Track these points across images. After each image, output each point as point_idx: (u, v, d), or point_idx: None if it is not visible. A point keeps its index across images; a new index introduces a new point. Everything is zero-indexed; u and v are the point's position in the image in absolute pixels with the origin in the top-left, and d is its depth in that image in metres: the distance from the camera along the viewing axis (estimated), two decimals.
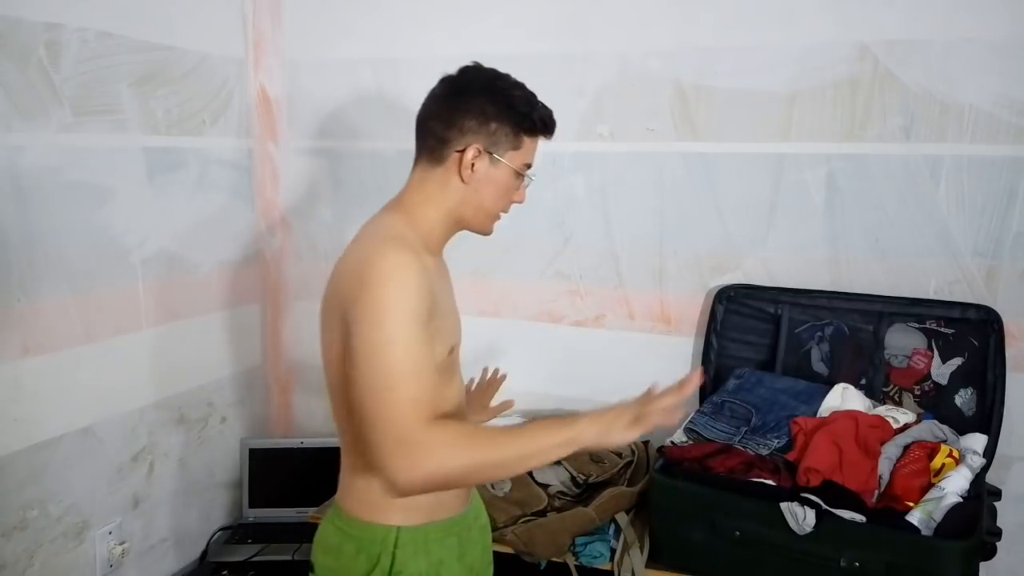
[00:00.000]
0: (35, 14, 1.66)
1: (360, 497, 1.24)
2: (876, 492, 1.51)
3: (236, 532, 2.23)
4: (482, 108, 1.22)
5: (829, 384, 1.77)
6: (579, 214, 2.07)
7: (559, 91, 2.02)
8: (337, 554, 1.24)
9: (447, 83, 1.27)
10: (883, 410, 1.69)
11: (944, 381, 1.74)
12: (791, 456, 1.59)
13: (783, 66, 1.83)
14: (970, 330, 1.71)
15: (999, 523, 1.53)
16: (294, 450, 2.33)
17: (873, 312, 1.78)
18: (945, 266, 1.78)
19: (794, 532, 1.45)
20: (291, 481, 2.31)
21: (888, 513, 1.46)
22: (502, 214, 1.31)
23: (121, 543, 1.95)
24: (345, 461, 1.28)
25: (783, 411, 1.71)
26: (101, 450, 1.89)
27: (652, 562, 1.63)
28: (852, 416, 1.61)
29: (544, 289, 2.14)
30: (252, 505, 2.30)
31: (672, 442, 1.71)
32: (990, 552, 1.47)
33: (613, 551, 1.65)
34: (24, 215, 1.67)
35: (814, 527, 1.43)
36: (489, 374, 1.66)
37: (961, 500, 1.45)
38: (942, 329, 1.74)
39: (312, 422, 2.49)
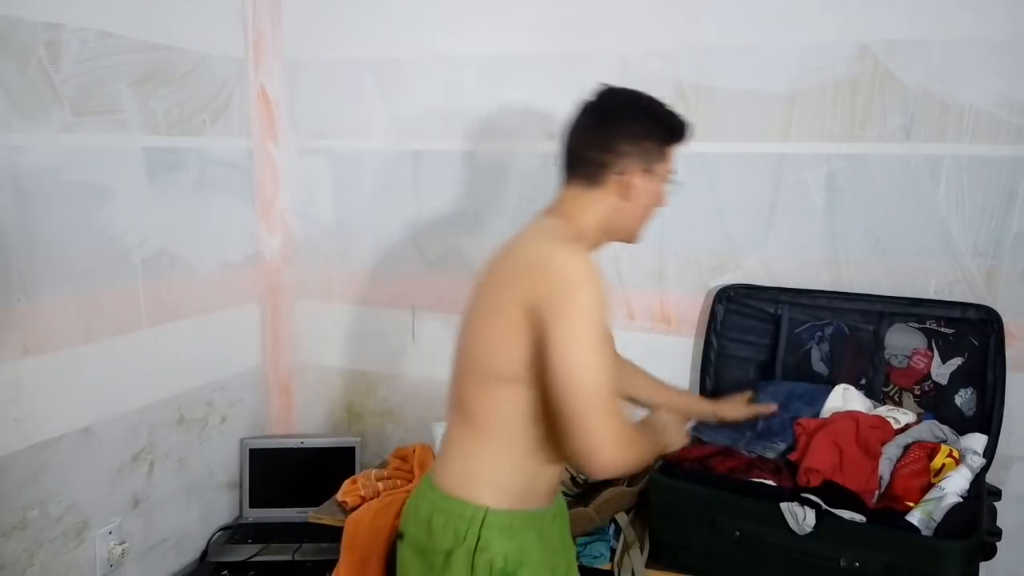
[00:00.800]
0: (35, 14, 1.66)
1: (456, 473, 1.30)
2: (876, 493, 1.51)
3: (236, 532, 2.23)
4: (634, 130, 1.31)
5: (830, 384, 1.77)
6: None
7: (559, 91, 2.02)
8: (427, 525, 1.29)
9: (593, 111, 1.35)
10: (884, 410, 1.69)
11: (944, 381, 1.73)
12: (793, 456, 1.59)
13: (783, 66, 1.83)
14: (970, 330, 1.71)
15: (999, 523, 1.53)
16: (294, 450, 2.33)
17: (873, 312, 1.78)
18: (945, 266, 1.78)
19: (794, 532, 1.45)
20: (291, 481, 2.32)
21: (888, 513, 1.46)
22: (651, 218, 1.40)
23: (121, 543, 1.95)
24: (455, 433, 1.33)
25: (787, 413, 1.71)
26: (101, 450, 1.89)
27: (652, 562, 1.63)
28: (853, 416, 1.61)
29: None
30: (252, 505, 2.30)
31: None
32: (990, 552, 1.47)
33: (613, 551, 1.65)
34: (24, 215, 1.67)
35: (814, 527, 1.43)
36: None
37: (961, 500, 1.45)
38: (942, 329, 1.74)
39: (312, 422, 2.50)
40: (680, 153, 1.38)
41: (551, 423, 1.23)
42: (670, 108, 1.35)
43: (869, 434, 1.56)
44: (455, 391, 1.33)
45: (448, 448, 1.34)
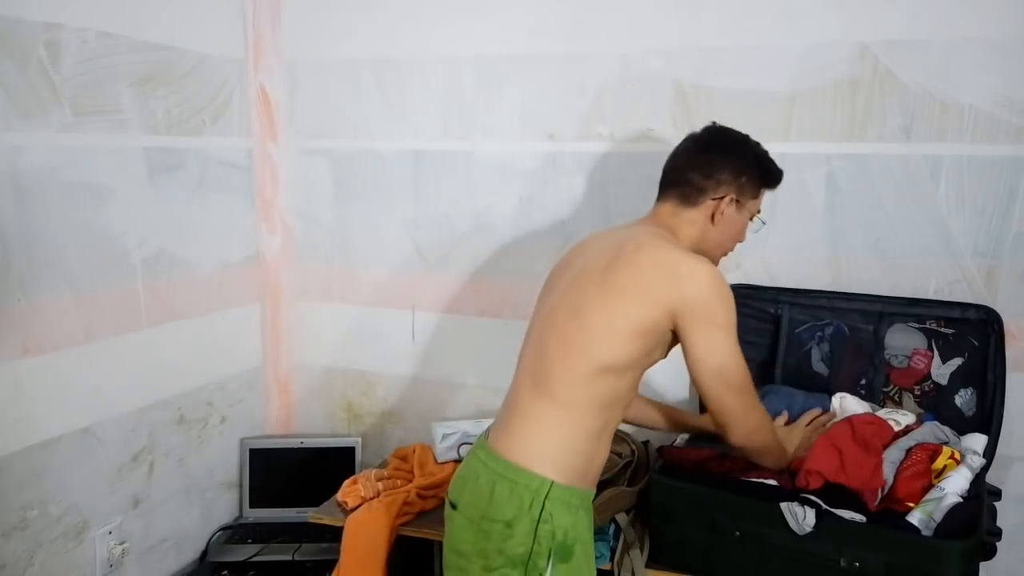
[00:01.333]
0: (35, 14, 1.66)
1: (527, 444, 1.36)
2: (880, 493, 1.50)
3: (236, 532, 2.23)
4: (736, 164, 1.47)
5: (829, 385, 1.76)
6: (579, 214, 2.07)
7: (559, 91, 2.04)
8: (489, 494, 1.35)
9: (699, 141, 1.52)
10: (884, 412, 1.69)
11: (944, 381, 1.73)
12: (793, 464, 1.58)
13: (783, 66, 1.83)
14: (970, 330, 1.71)
15: (999, 523, 1.53)
16: (294, 450, 2.33)
17: (873, 312, 1.78)
18: (945, 266, 1.78)
19: (794, 532, 1.44)
20: (291, 481, 2.32)
21: (888, 513, 1.46)
22: (731, 250, 1.56)
23: (121, 543, 1.95)
24: (528, 408, 1.39)
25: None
26: (101, 450, 1.89)
27: (652, 562, 1.63)
28: (847, 420, 1.60)
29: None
30: (252, 505, 2.30)
31: (670, 445, 1.71)
32: (990, 552, 1.46)
33: (613, 551, 1.65)
34: (24, 215, 1.67)
35: (814, 527, 1.43)
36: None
37: (961, 500, 1.45)
38: (942, 329, 1.74)
39: (312, 422, 2.50)
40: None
41: (618, 412, 1.41)
42: (769, 155, 1.51)
43: (865, 430, 1.55)
44: (537, 367, 1.40)
45: (517, 420, 1.40)
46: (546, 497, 1.32)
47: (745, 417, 1.39)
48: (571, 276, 1.44)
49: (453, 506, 1.42)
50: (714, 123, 1.54)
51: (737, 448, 1.44)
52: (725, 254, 1.54)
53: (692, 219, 1.47)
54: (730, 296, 1.34)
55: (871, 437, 1.54)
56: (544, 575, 1.32)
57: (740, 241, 1.54)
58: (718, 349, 1.33)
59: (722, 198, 1.46)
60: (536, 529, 1.32)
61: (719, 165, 1.46)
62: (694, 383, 1.38)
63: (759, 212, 1.54)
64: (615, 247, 1.39)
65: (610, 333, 1.33)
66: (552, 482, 1.33)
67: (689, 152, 1.51)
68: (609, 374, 1.34)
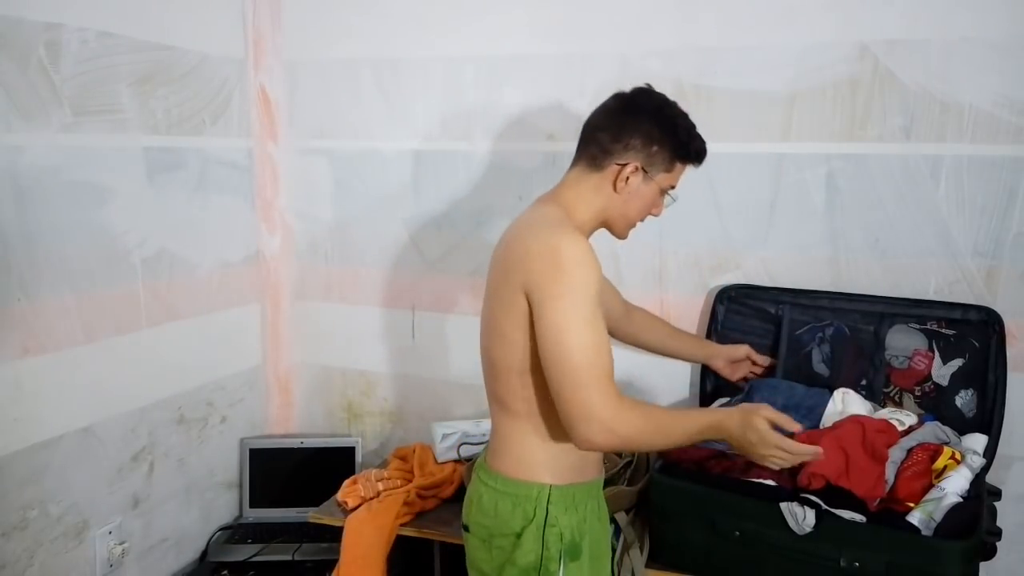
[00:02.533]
0: (35, 14, 1.66)
1: (517, 458, 1.36)
2: (879, 499, 1.50)
3: (236, 532, 2.23)
4: (648, 131, 1.34)
5: (830, 386, 1.76)
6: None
7: (559, 91, 2.04)
8: (494, 512, 1.36)
9: (619, 99, 1.40)
10: (885, 412, 1.69)
11: (945, 382, 1.73)
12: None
13: (783, 66, 1.83)
14: (971, 331, 1.70)
15: (999, 523, 1.53)
16: (294, 450, 2.33)
17: (874, 313, 1.78)
18: (945, 266, 1.78)
19: (794, 532, 1.45)
20: (291, 481, 2.32)
21: (888, 513, 1.46)
22: (639, 223, 1.44)
23: (121, 543, 1.95)
24: (501, 424, 1.39)
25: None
26: (101, 450, 1.89)
27: (652, 562, 1.63)
28: (858, 421, 1.59)
29: None
30: (252, 505, 2.30)
31: None
32: (990, 552, 1.46)
33: (613, 551, 1.65)
34: (24, 215, 1.67)
35: (814, 527, 1.43)
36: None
37: (961, 500, 1.45)
38: (943, 330, 1.74)
39: (312, 422, 2.50)
40: (689, 173, 1.43)
41: None
42: (693, 128, 1.40)
43: (876, 439, 1.54)
44: (490, 386, 1.40)
45: (499, 438, 1.40)
46: (548, 502, 1.33)
47: (588, 411, 1.18)
48: (486, 287, 1.39)
49: (466, 529, 1.44)
50: (646, 85, 1.41)
51: (591, 449, 1.25)
52: (631, 226, 1.43)
53: (596, 184, 1.37)
54: (582, 263, 1.21)
55: (881, 447, 1.54)
56: None
57: (652, 215, 1.44)
58: (553, 324, 1.19)
59: (625, 165, 1.34)
60: (543, 535, 1.32)
61: (630, 129, 1.34)
62: (547, 377, 1.23)
63: (673, 187, 1.42)
64: (505, 242, 1.34)
65: (504, 338, 1.30)
66: (551, 486, 1.34)
67: (605, 111, 1.40)
68: (529, 375, 1.30)
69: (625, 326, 1.80)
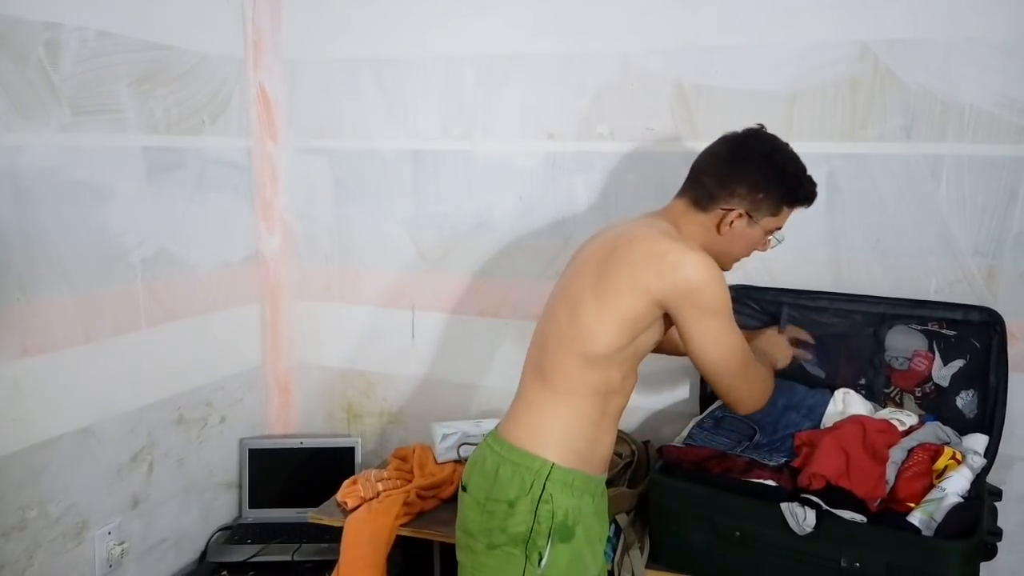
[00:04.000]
0: (34, 13, 1.65)
1: (529, 428, 1.40)
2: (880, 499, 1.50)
3: (235, 532, 2.23)
4: (756, 180, 1.38)
5: (830, 387, 1.76)
6: (579, 214, 2.07)
7: (559, 91, 2.03)
8: (494, 476, 1.39)
9: (729, 144, 1.43)
10: (886, 412, 1.68)
11: (945, 383, 1.73)
12: (796, 463, 1.57)
13: (784, 65, 1.83)
14: (972, 332, 1.70)
15: (1000, 523, 1.53)
16: (293, 450, 2.33)
17: (875, 313, 1.77)
18: (946, 266, 1.78)
19: (794, 532, 1.44)
20: (290, 481, 2.31)
21: (889, 513, 1.46)
22: (743, 258, 1.51)
23: (120, 543, 1.95)
24: (532, 395, 1.44)
25: (787, 429, 1.70)
26: (100, 450, 1.89)
27: (652, 563, 1.63)
28: (859, 421, 1.60)
29: (544, 289, 2.13)
30: (251, 505, 2.30)
31: (671, 444, 1.71)
32: (991, 552, 1.46)
33: (614, 551, 1.65)
34: (23, 215, 1.67)
35: (814, 527, 1.43)
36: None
37: (962, 500, 1.45)
38: (944, 331, 1.73)
39: (311, 422, 2.49)
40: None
41: (617, 401, 1.43)
42: (802, 172, 1.42)
43: (876, 439, 1.54)
44: (538, 358, 1.44)
45: (521, 406, 1.44)
46: (547, 478, 1.35)
47: (751, 391, 1.40)
48: (572, 271, 1.46)
49: (464, 488, 1.46)
50: (759, 127, 1.45)
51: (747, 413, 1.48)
52: (736, 260, 1.50)
53: (701, 222, 1.43)
54: (720, 281, 1.33)
55: (881, 448, 1.53)
56: (543, 553, 1.35)
57: (757, 250, 1.49)
58: (713, 338, 1.33)
59: (730, 210, 1.40)
60: (536, 509, 1.35)
61: (736, 177, 1.39)
62: (696, 367, 1.40)
63: (778, 229, 1.47)
64: (612, 240, 1.40)
65: (599, 326, 1.35)
66: (553, 464, 1.36)
67: (713, 155, 1.45)
68: (599, 364, 1.37)
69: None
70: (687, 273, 1.30)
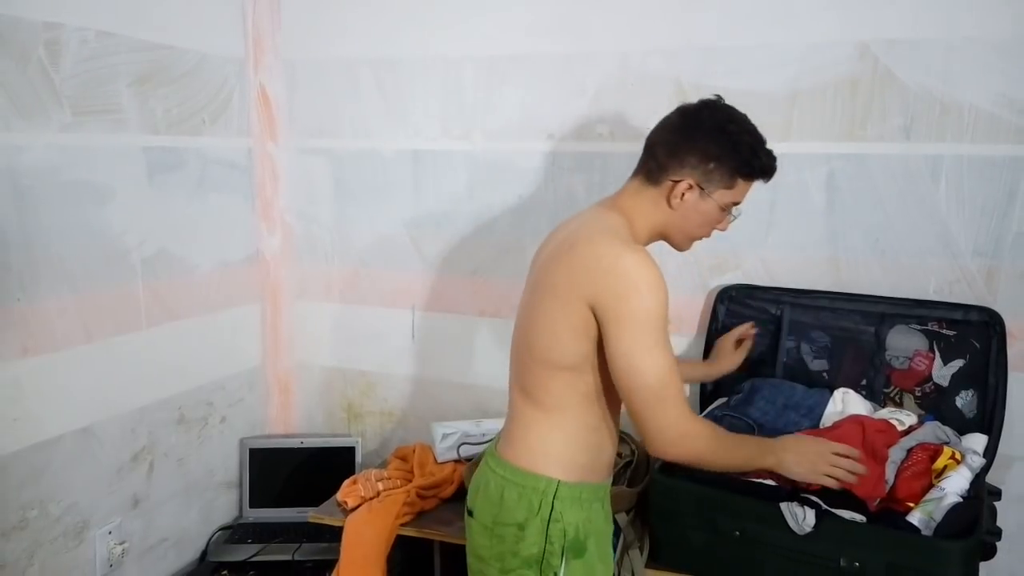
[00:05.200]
0: (35, 13, 1.65)
1: (528, 449, 1.36)
2: (879, 499, 1.50)
3: (236, 532, 2.23)
4: (706, 148, 1.32)
5: (830, 386, 1.76)
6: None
7: (559, 91, 2.03)
8: (499, 500, 1.36)
9: (682, 115, 1.37)
10: (886, 412, 1.68)
11: (945, 383, 1.73)
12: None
13: (783, 66, 1.83)
14: (972, 332, 1.70)
15: (999, 523, 1.52)
16: (294, 450, 2.33)
17: (875, 313, 1.78)
18: (945, 266, 1.78)
19: (794, 532, 1.44)
20: (291, 481, 2.31)
21: (888, 513, 1.46)
22: (703, 237, 1.43)
23: (121, 543, 1.95)
24: (523, 413, 1.39)
25: (786, 428, 1.70)
26: (101, 450, 1.89)
27: (652, 562, 1.63)
28: (858, 421, 1.59)
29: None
30: (252, 505, 2.30)
31: None
32: (990, 552, 1.46)
33: (614, 550, 1.65)
34: (24, 215, 1.67)
35: (814, 527, 1.43)
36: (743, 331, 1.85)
37: (961, 500, 1.45)
38: (944, 331, 1.74)
39: (312, 422, 2.49)
40: (758, 188, 1.40)
41: (611, 401, 1.37)
42: (759, 144, 1.35)
43: (876, 438, 1.54)
44: (519, 376, 1.40)
45: (516, 427, 1.40)
46: (555, 497, 1.33)
47: (663, 427, 1.24)
48: (529, 282, 1.43)
49: (470, 513, 1.44)
50: (715, 97, 1.39)
51: (665, 459, 1.32)
52: (692, 239, 1.42)
53: (652, 198, 1.36)
54: (654, 289, 1.22)
55: (881, 447, 1.53)
56: (558, 573, 1.33)
57: (716, 229, 1.42)
58: (628, 347, 1.23)
59: (679, 181, 1.33)
60: (547, 529, 1.32)
61: (687, 146, 1.32)
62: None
63: (737, 203, 1.39)
64: (558, 246, 1.34)
65: (553, 338, 1.30)
66: (559, 481, 1.33)
67: (666, 125, 1.38)
68: (570, 372, 1.32)
69: None
70: (616, 278, 1.23)
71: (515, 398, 1.42)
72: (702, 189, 1.33)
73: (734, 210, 1.40)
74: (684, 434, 1.25)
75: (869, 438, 1.54)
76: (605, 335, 1.25)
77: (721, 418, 1.79)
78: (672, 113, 1.39)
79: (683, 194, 1.33)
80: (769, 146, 1.37)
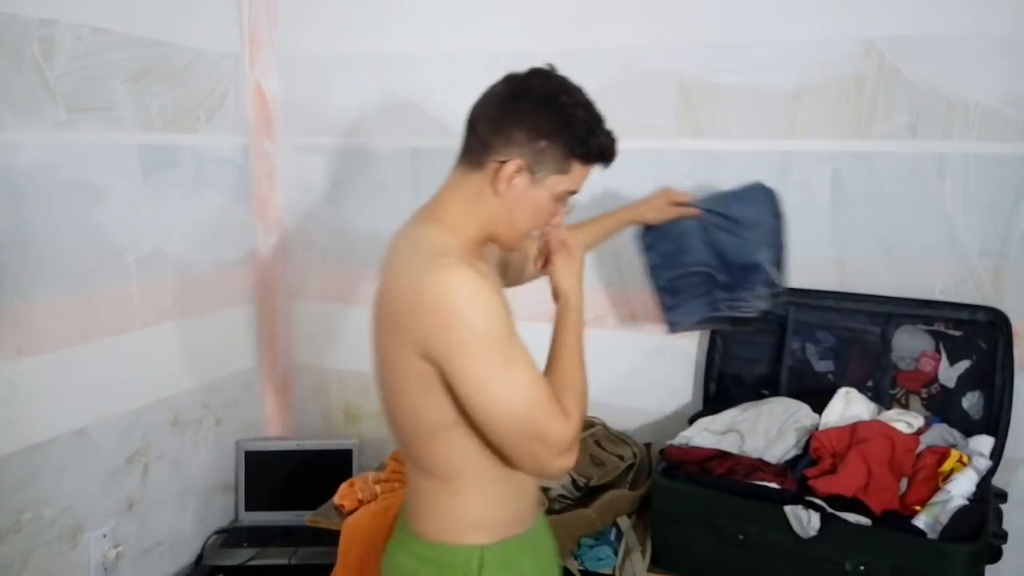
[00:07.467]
0: (29, 10, 1.64)
1: (440, 518, 1.19)
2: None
3: (231, 535, 2.21)
4: (535, 121, 1.12)
5: (834, 387, 1.74)
6: (579, 213, 2.04)
7: None
8: None
9: (508, 83, 1.17)
10: (893, 414, 1.67)
11: (951, 384, 1.72)
12: (812, 472, 1.53)
13: (788, 63, 1.81)
14: (978, 332, 1.69)
15: (1005, 526, 1.52)
16: (290, 452, 2.31)
17: (880, 313, 1.76)
18: (951, 265, 1.76)
19: (798, 535, 1.43)
20: (287, 484, 2.29)
21: (894, 516, 1.45)
22: (535, 232, 1.24)
23: (115, 546, 1.93)
24: (420, 485, 1.21)
25: (749, 256, 1.64)
26: (95, 452, 1.87)
27: (654, 566, 1.62)
28: (889, 436, 1.55)
29: (544, 289, 2.11)
30: (248, 508, 2.28)
31: (671, 444, 1.69)
32: (996, 555, 1.45)
33: (615, 555, 1.63)
34: (18, 214, 1.66)
35: (818, 530, 1.41)
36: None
37: (967, 503, 1.44)
38: (950, 331, 1.72)
39: (308, 424, 2.48)
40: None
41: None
42: (596, 121, 1.17)
43: (904, 458, 1.51)
44: (403, 446, 1.22)
45: (420, 499, 1.22)
46: (481, 567, 1.16)
47: (552, 446, 1.08)
48: (372, 328, 1.20)
49: None
50: (548, 66, 1.20)
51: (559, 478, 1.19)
52: (523, 235, 1.20)
53: (477, 187, 1.14)
54: (478, 304, 1.04)
55: (907, 466, 1.51)
56: None
57: (549, 223, 1.22)
58: (479, 383, 1.05)
59: (505, 162, 1.12)
60: None
61: (512, 119, 1.12)
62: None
63: (573, 192, 1.19)
64: (380, 287, 1.16)
65: (408, 397, 1.12)
66: (482, 548, 1.17)
67: (490, 96, 1.18)
68: (450, 432, 1.12)
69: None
70: (433, 311, 1.03)
71: (410, 469, 1.24)
72: (533, 173, 1.13)
73: (570, 200, 1.21)
74: (570, 437, 1.09)
75: (898, 457, 1.51)
76: (449, 379, 1.06)
77: (671, 282, 1.73)
78: (497, 82, 1.18)
79: (511, 178, 1.12)
80: (608, 126, 1.20)
